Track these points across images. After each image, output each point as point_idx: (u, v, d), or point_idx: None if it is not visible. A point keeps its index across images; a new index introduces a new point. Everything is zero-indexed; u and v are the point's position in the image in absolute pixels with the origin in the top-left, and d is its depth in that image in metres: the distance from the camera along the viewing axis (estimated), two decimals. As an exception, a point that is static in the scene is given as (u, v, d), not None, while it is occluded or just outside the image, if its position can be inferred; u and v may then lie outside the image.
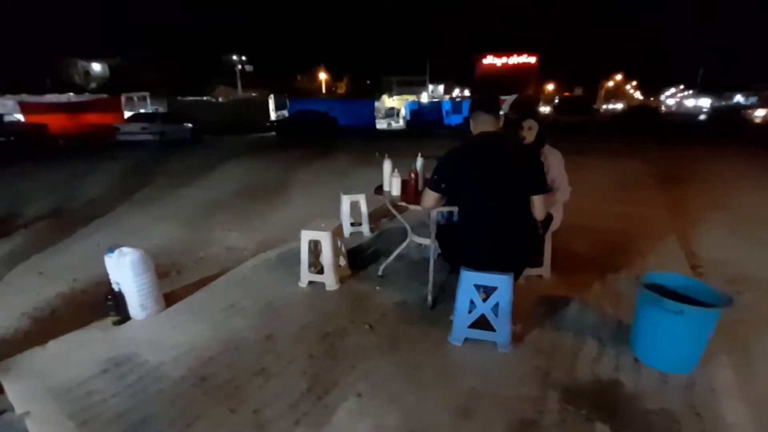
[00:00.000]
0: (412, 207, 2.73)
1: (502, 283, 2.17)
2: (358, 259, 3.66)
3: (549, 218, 2.84)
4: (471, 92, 44.66)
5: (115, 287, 2.42)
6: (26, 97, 21.05)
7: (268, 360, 2.22)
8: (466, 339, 2.32)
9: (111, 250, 2.44)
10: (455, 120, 28.01)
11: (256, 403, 1.89)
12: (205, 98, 28.50)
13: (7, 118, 15.95)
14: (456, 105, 29.72)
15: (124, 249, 2.45)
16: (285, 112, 27.54)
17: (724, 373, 2.07)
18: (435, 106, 30.94)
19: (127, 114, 21.54)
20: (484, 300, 2.24)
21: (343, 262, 3.33)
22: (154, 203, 6.36)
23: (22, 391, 1.94)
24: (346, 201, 4.30)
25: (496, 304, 2.21)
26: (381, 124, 30.93)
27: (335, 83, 48.88)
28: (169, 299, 2.84)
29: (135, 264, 2.41)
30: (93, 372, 2.06)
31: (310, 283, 3.16)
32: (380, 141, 17.40)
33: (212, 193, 6.86)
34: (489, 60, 47.63)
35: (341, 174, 8.70)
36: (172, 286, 3.14)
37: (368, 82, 48.80)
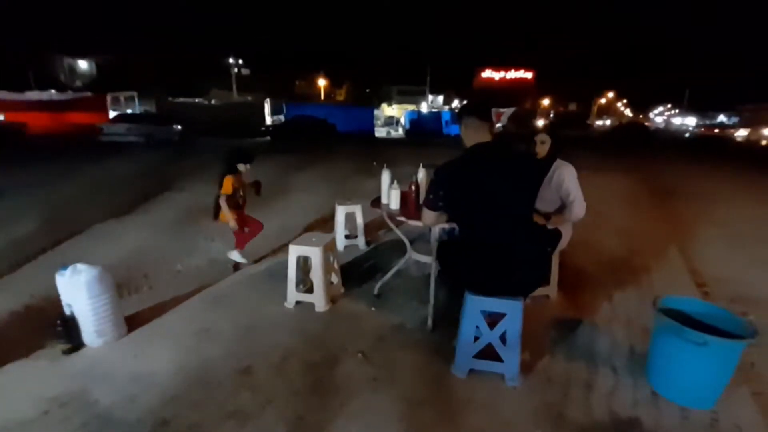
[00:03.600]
0: (412, 222, 2.54)
1: (511, 309, 2.03)
2: (353, 275, 3.44)
3: (558, 235, 2.67)
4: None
5: (67, 310, 2.16)
6: (5, 94, 20.73)
7: (243, 398, 1.97)
8: (471, 370, 2.15)
9: (64, 267, 2.18)
10: (455, 130, 28.15)
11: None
12: (197, 100, 28.35)
13: None
14: (455, 115, 29.99)
15: (79, 266, 2.19)
16: (281, 117, 27.51)
17: (747, 407, 1.98)
18: (434, 116, 31.34)
19: (113, 114, 21.26)
20: (491, 326, 2.08)
21: (335, 279, 3.11)
22: (134, 208, 6.08)
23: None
24: (341, 211, 4.08)
25: (504, 332, 2.07)
26: (380, 132, 31.09)
27: (334, 90, 49.09)
28: (133, 322, 2.58)
29: (90, 284, 2.15)
30: (32, 414, 1.79)
31: (298, 303, 2.92)
32: (379, 149, 17.26)
33: (197, 199, 6.58)
34: (487, 74, 49.26)
35: (337, 182, 8.47)
36: (141, 305, 2.90)
37: (368, 90, 49.08)
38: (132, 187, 7.61)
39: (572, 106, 61.08)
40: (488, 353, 2.10)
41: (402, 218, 2.60)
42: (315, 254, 2.77)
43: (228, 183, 3.45)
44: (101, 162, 11.15)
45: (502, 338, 2.07)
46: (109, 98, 23.47)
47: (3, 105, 19.94)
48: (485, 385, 2.10)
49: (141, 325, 2.57)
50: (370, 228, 4.59)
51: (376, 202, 2.93)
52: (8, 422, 1.77)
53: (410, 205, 2.69)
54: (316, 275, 2.80)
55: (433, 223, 2.26)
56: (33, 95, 21.82)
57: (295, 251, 2.83)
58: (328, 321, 2.76)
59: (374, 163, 3.48)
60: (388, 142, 23.71)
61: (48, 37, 33.96)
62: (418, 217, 2.28)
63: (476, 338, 2.10)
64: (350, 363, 2.28)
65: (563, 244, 2.78)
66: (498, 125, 25.95)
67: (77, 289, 2.12)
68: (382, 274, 3.28)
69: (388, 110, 41.94)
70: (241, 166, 3.60)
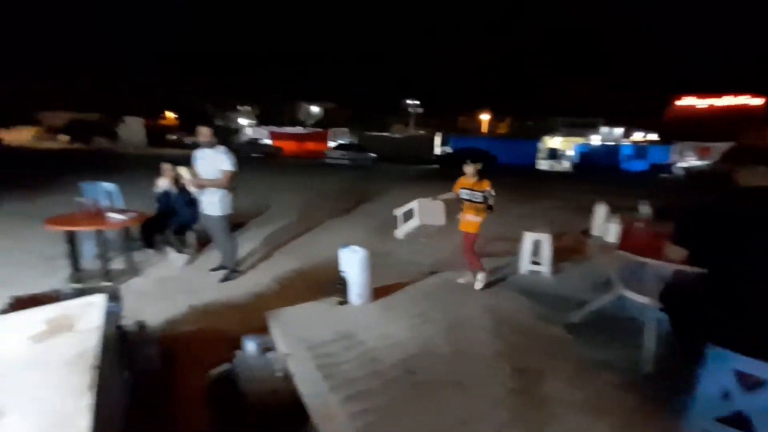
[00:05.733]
0: (638, 259, 2.34)
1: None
2: (542, 301, 3.36)
3: None
4: (660, 136, 37.29)
5: (344, 275, 2.79)
6: (272, 128, 27.59)
7: (462, 375, 2.18)
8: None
9: (345, 246, 2.84)
10: (638, 166, 24.20)
11: (460, 413, 1.86)
12: (384, 134, 31.73)
13: (261, 141, 21.58)
14: (640, 150, 25.65)
15: (355, 248, 2.81)
16: (448, 148, 28.49)
17: None
18: (610, 150, 27.38)
19: (331, 143, 25.72)
20: (746, 391, 1.65)
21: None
22: (347, 213, 7.29)
23: (283, 336, 2.36)
24: (528, 238, 4.04)
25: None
26: (542, 166, 28.83)
27: (496, 123, 48.13)
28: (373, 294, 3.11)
29: (362, 261, 2.74)
30: (328, 338, 2.38)
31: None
32: (543, 182, 16.15)
33: (388, 210, 7.48)
34: (687, 101, 39.06)
35: (501, 209, 8.33)
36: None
37: (530, 122, 46.30)
38: (345, 197, 9.09)
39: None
40: (738, 422, 1.66)
41: (624, 252, 2.42)
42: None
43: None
44: (325, 177, 13.57)
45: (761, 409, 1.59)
46: (330, 132, 28.54)
47: (272, 135, 26.52)
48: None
49: (378, 298, 3.09)
50: (555, 257, 4.36)
51: (585, 232, 2.84)
52: (314, 340, 2.36)
53: (634, 241, 2.48)
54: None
55: (675, 263, 2.02)
56: (287, 129, 28.42)
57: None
58: (527, 333, 2.76)
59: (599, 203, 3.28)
60: (552, 175, 21.91)
61: (296, 90, 43.36)
62: (641, 253, 2.09)
63: (724, 396, 1.70)
64: (558, 380, 2.22)
65: None
66: (704, 162, 20.97)
67: (353, 263, 2.74)
68: (572, 304, 3.14)
69: (551, 142, 38.60)
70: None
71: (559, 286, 3.77)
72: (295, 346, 2.23)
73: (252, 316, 2.96)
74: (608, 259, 3.08)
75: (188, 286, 3.59)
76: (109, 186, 4.39)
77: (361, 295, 2.80)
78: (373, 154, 20.84)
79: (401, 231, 3.59)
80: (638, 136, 41.03)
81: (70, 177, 9.16)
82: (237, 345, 2.32)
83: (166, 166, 4.17)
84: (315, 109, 45.14)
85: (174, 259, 4.13)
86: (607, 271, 3.11)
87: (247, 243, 4.86)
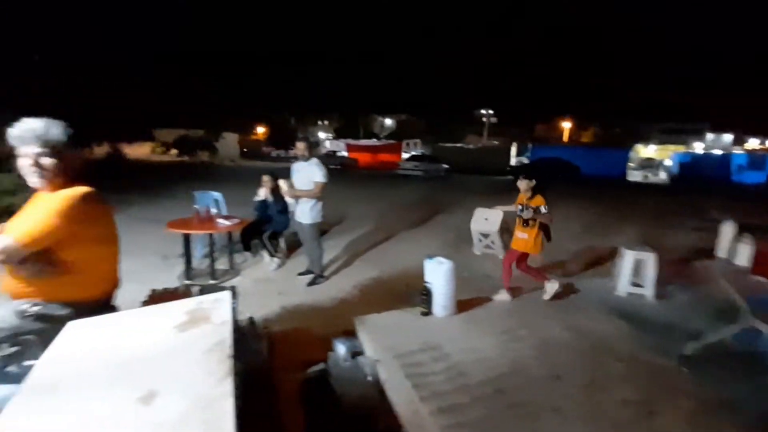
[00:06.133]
0: None
1: None
2: (645, 327, 3.00)
3: None
4: None
5: (428, 286, 2.78)
6: (349, 141, 29.03)
7: (560, 401, 2.03)
8: None
9: (430, 257, 2.84)
10: (753, 177, 20.64)
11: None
12: (458, 144, 31.33)
13: (339, 153, 22.86)
14: (757, 160, 21.90)
15: (441, 259, 2.80)
16: (523, 159, 27.16)
17: None
18: (718, 159, 23.79)
19: (404, 155, 26.14)
20: None
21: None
22: (422, 223, 7.28)
23: (371, 342, 2.43)
24: (629, 257, 3.63)
25: None
26: (634, 176, 25.92)
27: (579, 131, 44.59)
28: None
29: (448, 272, 2.72)
30: (415, 347, 2.39)
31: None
32: (636, 194, 14.48)
33: (462, 222, 7.32)
34: None
35: (586, 225, 7.65)
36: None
37: (617, 129, 42.01)
38: (418, 208, 9.11)
39: None
40: None
41: (760, 277, 2.09)
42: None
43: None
44: (398, 188, 13.79)
45: None
46: (403, 144, 29.13)
47: (348, 147, 27.92)
48: None
49: (461, 311, 3.02)
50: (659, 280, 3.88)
51: (709, 254, 2.49)
52: (401, 348, 2.37)
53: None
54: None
55: None
56: (362, 141, 29.67)
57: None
58: (632, 361, 2.48)
59: (713, 212, 2.90)
60: (645, 187, 19.59)
61: (371, 103, 45.08)
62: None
63: None
64: (670, 415, 1.97)
65: None
66: None
67: (438, 274, 2.73)
68: (683, 333, 2.76)
69: (644, 151, 34.56)
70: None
71: (666, 312, 3.33)
72: (384, 353, 2.28)
73: (337, 319, 3.10)
74: (733, 285, 2.63)
75: (280, 288, 3.89)
76: (215, 194, 4.95)
77: (445, 306, 2.77)
78: (445, 165, 20.68)
79: (478, 247, 3.54)
80: (753, 143, 34.95)
81: (180, 186, 10.58)
82: (326, 346, 2.44)
83: (265, 178, 4.59)
84: (388, 121, 46.41)
85: (268, 262, 4.50)
86: (728, 298, 2.67)
87: (330, 250, 5.12)
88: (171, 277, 4.07)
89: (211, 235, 4.03)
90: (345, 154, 26.91)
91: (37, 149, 1.52)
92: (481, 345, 2.50)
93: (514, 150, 27.74)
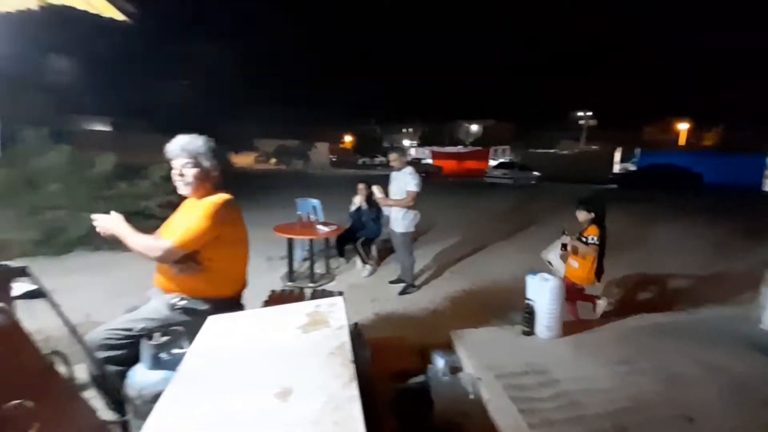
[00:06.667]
0: None
1: None
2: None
3: None
4: None
5: (531, 304, 2.60)
6: (434, 148, 29.07)
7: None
8: None
9: (534, 272, 2.65)
10: None
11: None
12: (551, 150, 29.15)
13: (424, 161, 23.12)
14: None
15: (546, 275, 2.59)
16: (628, 165, 24.09)
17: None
18: None
19: (491, 162, 25.15)
20: None
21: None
22: (512, 235, 6.88)
23: (470, 359, 2.34)
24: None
25: None
26: (772, 186, 21.22)
27: (700, 133, 37.96)
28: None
29: (554, 291, 2.50)
30: (518, 369, 2.24)
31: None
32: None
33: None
34: None
35: (714, 244, 6.42)
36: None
37: (749, 132, 34.60)
38: (508, 218, 8.64)
39: None
40: None
41: None
42: None
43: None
44: (486, 197, 13.32)
45: None
46: (491, 150, 28.05)
47: (433, 154, 27.93)
48: None
49: (566, 333, 2.74)
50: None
51: None
52: (503, 369, 2.22)
53: None
54: None
55: None
56: (447, 148, 29.43)
57: None
58: None
59: None
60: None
61: (455, 109, 44.44)
62: None
63: None
64: None
65: None
66: None
67: (543, 292, 2.53)
68: None
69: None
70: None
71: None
72: (485, 371, 2.17)
73: (431, 330, 3.07)
74: None
75: (373, 295, 4.00)
76: (314, 201, 5.33)
77: (550, 328, 2.55)
78: (536, 173, 19.40)
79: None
80: None
81: (278, 192, 11.63)
82: (420, 357, 2.42)
83: (360, 186, 4.80)
84: (474, 127, 45.21)
85: (360, 268, 4.68)
86: None
87: (419, 259, 5.12)
88: (275, 277, 4.45)
89: (311, 240, 4.33)
90: (430, 161, 26.90)
91: (184, 160, 1.78)
92: (594, 374, 2.24)
93: (617, 156, 24.88)
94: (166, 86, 21.31)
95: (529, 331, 2.59)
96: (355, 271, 4.74)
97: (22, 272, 1.28)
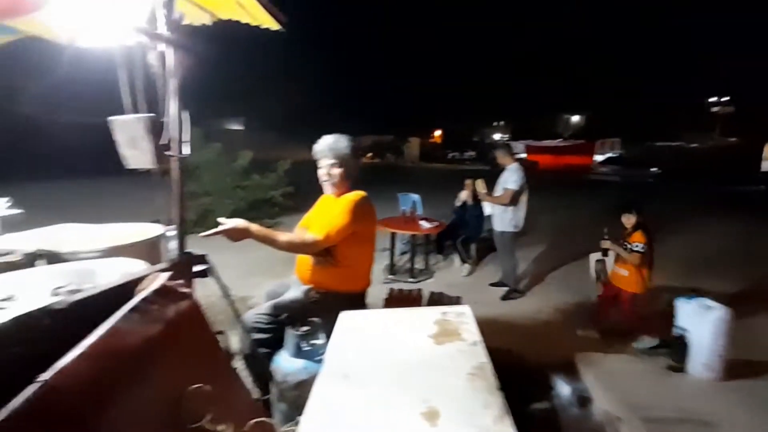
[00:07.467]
0: None
1: None
2: None
3: None
4: None
5: (683, 333, 2.15)
6: (529, 142, 26.85)
7: None
8: None
9: (689, 296, 2.19)
10: None
11: None
12: (674, 143, 24.75)
13: (517, 156, 21.56)
14: None
15: (709, 302, 2.11)
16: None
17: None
18: None
19: (598, 157, 22.25)
20: None
21: None
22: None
23: (605, 392, 2.02)
24: None
25: None
26: None
27: None
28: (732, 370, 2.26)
29: (719, 322, 2.03)
30: (670, 415, 1.88)
31: None
32: None
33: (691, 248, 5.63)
34: None
35: None
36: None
37: None
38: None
39: None
40: None
41: None
42: None
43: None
44: (591, 196, 11.89)
45: None
46: (598, 144, 24.83)
47: (527, 148, 25.91)
48: None
49: (731, 376, 2.21)
50: None
51: None
52: (650, 412, 1.88)
53: None
54: None
55: None
56: (544, 142, 26.93)
57: None
58: None
59: None
60: None
61: (551, 100, 40.07)
62: None
63: None
64: None
65: None
66: None
67: (702, 322, 2.07)
68: None
69: None
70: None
71: None
72: (626, 410, 1.86)
73: (540, 345, 2.78)
74: None
75: (473, 297, 3.77)
76: (414, 196, 5.27)
77: (711, 367, 2.08)
78: (655, 170, 16.63)
79: None
80: None
81: (374, 185, 11.91)
82: (534, 375, 2.18)
83: (468, 181, 4.60)
84: (575, 117, 40.60)
85: (458, 267, 4.51)
86: None
87: (520, 263, 4.75)
88: (377, 269, 4.49)
89: (413, 235, 4.29)
90: (524, 156, 24.88)
91: (330, 160, 1.81)
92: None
93: (767, 151, 20.01)
94: (288, 89, 23.44)
95: (679, 367, 2.15)
96: (453, 269, 4.57)
97: (202, 259, 1.42)
